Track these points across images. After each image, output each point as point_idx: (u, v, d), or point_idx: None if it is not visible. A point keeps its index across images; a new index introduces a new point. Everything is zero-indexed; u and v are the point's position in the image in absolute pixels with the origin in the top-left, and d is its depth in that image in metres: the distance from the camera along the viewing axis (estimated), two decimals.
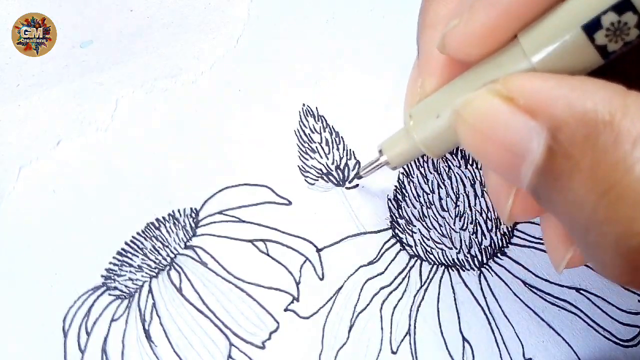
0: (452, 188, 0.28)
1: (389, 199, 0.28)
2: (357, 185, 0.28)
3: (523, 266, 0.27)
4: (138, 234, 0.27)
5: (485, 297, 0.26)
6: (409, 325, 0.26)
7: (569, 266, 0.19)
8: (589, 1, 0.14)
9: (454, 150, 0.29)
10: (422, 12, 0.21)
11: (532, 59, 0.15)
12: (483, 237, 0.27)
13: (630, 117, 0.13)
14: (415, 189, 0.28)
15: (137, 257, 0.27)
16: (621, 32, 0.14)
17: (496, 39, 0.16)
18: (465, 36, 0.17)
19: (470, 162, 0.28)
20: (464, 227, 0.27)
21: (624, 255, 0.13)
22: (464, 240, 0.27)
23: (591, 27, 0.14)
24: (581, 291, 0.27)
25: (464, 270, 0.27)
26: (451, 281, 0.27)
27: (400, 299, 0.26)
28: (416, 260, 0.27)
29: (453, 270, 0.27)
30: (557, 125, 0.13)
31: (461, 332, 0.26)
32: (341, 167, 0.29)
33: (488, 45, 0.16)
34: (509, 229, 0.28)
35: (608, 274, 0.14)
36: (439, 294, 0.27)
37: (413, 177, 0.28)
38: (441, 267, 0.27)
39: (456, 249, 0.27)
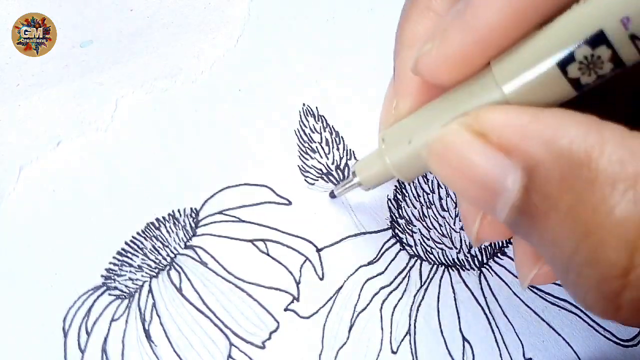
0: None
1: (389, 199, 0.28)
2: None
3: None
4: (138, 233, 0.27)
5: (485, 297, 0.26)
6: (409, 325, 0.26)
7: (534, 283, 0.19)
8: (563, 34, 0.14)
9: None
10: (399, 30, 0.21)
11: (504, 89, 0.15)
12: None
13: (607, 156, 0.12)
14: (415, 188, 0.28)
15: (137, 257, 0.27)
16: (594, 66, 0.13)
17: (469, 66, 0.16)
18: (437, 61, 0.16)
19: None
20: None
21: (606, 296, 0.13)
22: (464, 240, 0.27)
23: (564, 60, 0.14)
24: None
25: (464, 270, 0.27)
26: (451, 281, 0.27)
27: (400, 298, 0.26)
28: (416, 260, 0.27)
29: (453, 270, 0.27)
30: (532, 164, 0.13)
31: (461, 332, 0.26)
32: (341, 167, 0.29)
33: (461, 71, 0.16)
34: None
35: (590, 309, 0.14)
36: (439, 293, 0.27)
37: None
38: (441, 267, 0.27)
39: (456, 248, 0.27)
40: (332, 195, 0.27)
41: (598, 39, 0.13)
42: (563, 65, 0.14)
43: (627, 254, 0.12)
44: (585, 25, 0.13)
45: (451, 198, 0.28)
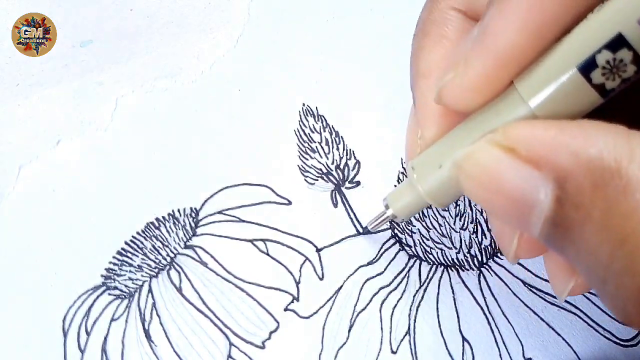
0: None
1: None
2: (358, 183, 0.28)
3: (523, 266, 0.27)
4: (138, 233, 0.27)
5: (484, 297, 0.26)
6: (409, 325, 0.26)
7: (571, 294, 0.19)
8: (582, 42, 0.14)
9: None
10: (413, 60, 0.21)
11: (530, 104, 0.15)
12: (483, 237, 0.27)
13: (637, 163, 0.12)
14: None
15: (137, 256, 0.27)
16: (618, 70, 0.13)
17: (493, 88, 0.16)
18: (461, 88, 0.16)
19: None
20: (464, 227, 0.27)
21: None
22: (464, 240, 0.27)
23: (587, 67, 0.14)
24: None
25: (463, 270, 0.27)
26: (450, 281, 0.27)
27: (400, 298, 0.26)
28: (415, 260, 0.27)
29: (452, 270, 0.27)
30: (563, 175, 0.13)
31: (461, 332, 0.26)
32: (341, 166, 0.29)
33: (485, 94, 0.16)
34: None
35: (630, 322, 0.14)
36: (438, 294, 0.27)
37: None
38: (440, 267, 0.27)
39: (456, 248, 0.27)
40: (367, 231, 0.27)
41: (618, 42, 0.13)
42: (586, 72, 0.14)
43: None
44: (603, 30, 0.13)
45: None
